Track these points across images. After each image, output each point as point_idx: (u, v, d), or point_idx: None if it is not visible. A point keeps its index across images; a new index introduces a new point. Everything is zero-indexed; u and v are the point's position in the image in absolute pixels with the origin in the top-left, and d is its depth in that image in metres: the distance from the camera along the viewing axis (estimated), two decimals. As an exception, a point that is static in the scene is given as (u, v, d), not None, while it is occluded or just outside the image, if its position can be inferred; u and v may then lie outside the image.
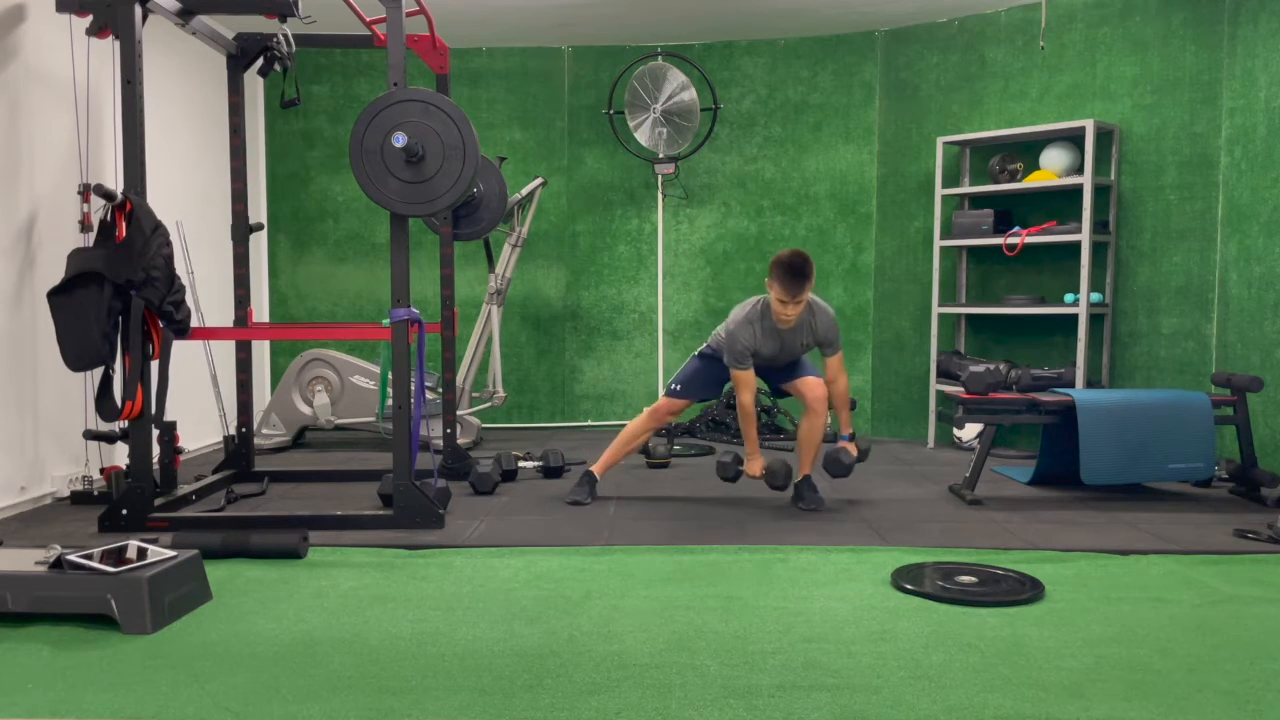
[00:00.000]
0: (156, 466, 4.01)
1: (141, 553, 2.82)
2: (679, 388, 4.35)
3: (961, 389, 4.48)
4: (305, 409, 5.73)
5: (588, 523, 3.90)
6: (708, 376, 4.35)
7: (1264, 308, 4.54)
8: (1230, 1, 4.77)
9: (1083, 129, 5.10)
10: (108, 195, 3.66)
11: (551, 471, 4.86)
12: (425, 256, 6.23)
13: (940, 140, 5.67)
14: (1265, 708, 2.16)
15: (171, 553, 2.83)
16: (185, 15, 4.05)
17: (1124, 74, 5.20)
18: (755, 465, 4.19)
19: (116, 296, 3.63)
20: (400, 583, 3.10)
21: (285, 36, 4.24)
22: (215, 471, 4.65)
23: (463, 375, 5.70)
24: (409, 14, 3.86)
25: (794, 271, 3.89)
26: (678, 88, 5.75)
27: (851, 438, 4.27)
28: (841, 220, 6.31)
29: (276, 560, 3.32)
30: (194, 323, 4.12)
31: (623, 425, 4.65)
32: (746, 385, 4.09)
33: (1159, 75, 5.07)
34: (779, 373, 4.27)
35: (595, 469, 4.35)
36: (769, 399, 6.26)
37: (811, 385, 4.14)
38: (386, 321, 3.78)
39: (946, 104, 5.86)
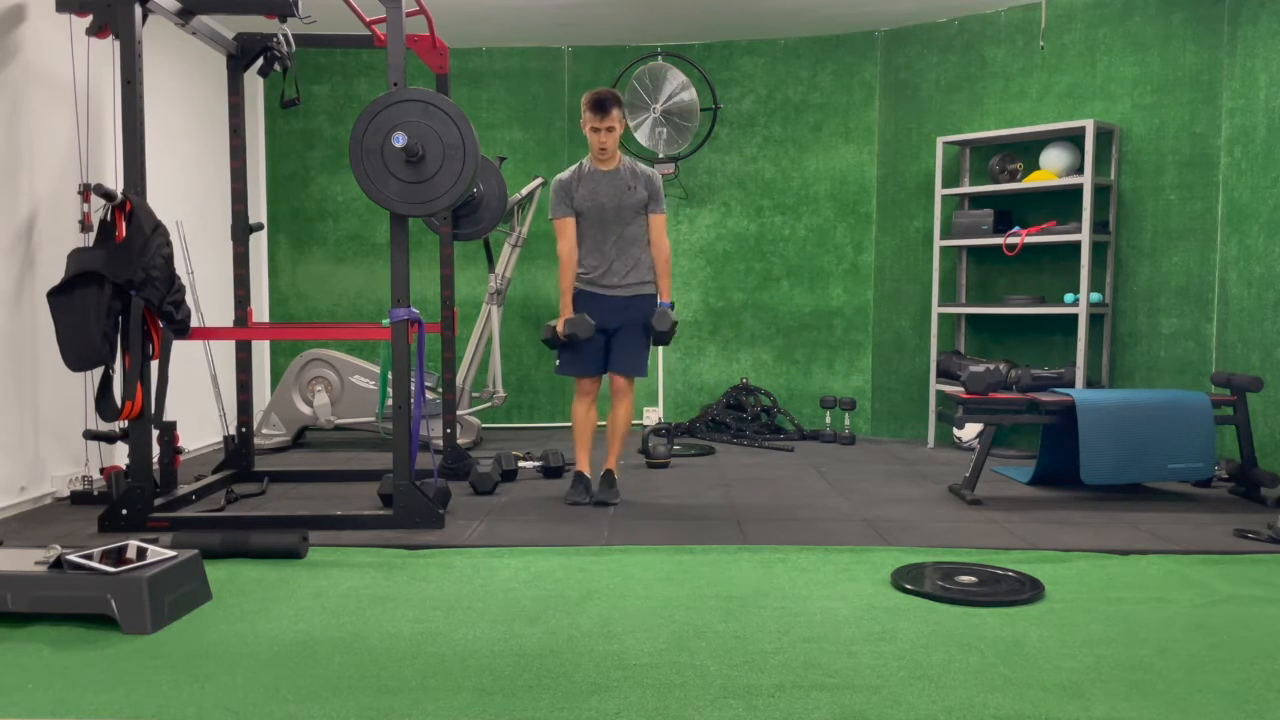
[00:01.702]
0: (156, 466, 4.01)
1: (141, 553, 2.82)
2: (560, 363, 4.30)
3: (961, 389, 4.48)
4: (305, 409, 5.73)
5: (588, 523, 3.90)
6: (577, 325, 4.15)
7: (1264, 308, 4.54)
8: (1230, 1, 4.78)
9: (1083, 129, 5.10)
10: (108, 195, 3.66)
11: (551, 471, 4.86)
12: (425, 256, 6.23)
13: (940, 140, 5.67)
14: (1265, 708, 2.16)
15: (171, 553, 2.83)
16: (185, 15, 4.05)
17: (1124, 74, 5.20)
18: (562, 320, 4.19)
19: (116, 296, 3.63)
20: (400, 583, 3.10)
21: (285, 36, 4.25)
22: (215, 471, 4.65)
23: (463, 375, 5.70)
24: (409, 14, 3.86)
25: (596, 97, 4.11)
26: (678, 88, 5.75)
27: (671, 306, 4.28)
28: (841, 220, 6.31)
29: (276, 560, 3.32)
30: (194, 323, 4.12)
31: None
32: (562, 233, 4.19)
33: (1159, 75, 5.08)
34: (618, 336, 4.20)
35: (580, 467, 4.35)
36: (768, 399, 6.28)
37: (620, 380, 4.25)
38: (386, 321, 3.78)
39: (946, 104, 5.86)
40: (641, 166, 4.28)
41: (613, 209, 4.17)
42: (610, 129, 4.11)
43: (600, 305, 4.20)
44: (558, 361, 4.32)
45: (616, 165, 4.20)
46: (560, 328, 4.17)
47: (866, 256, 6.29)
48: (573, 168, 4.25)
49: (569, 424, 6.54)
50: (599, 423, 4.53)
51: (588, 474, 4.32)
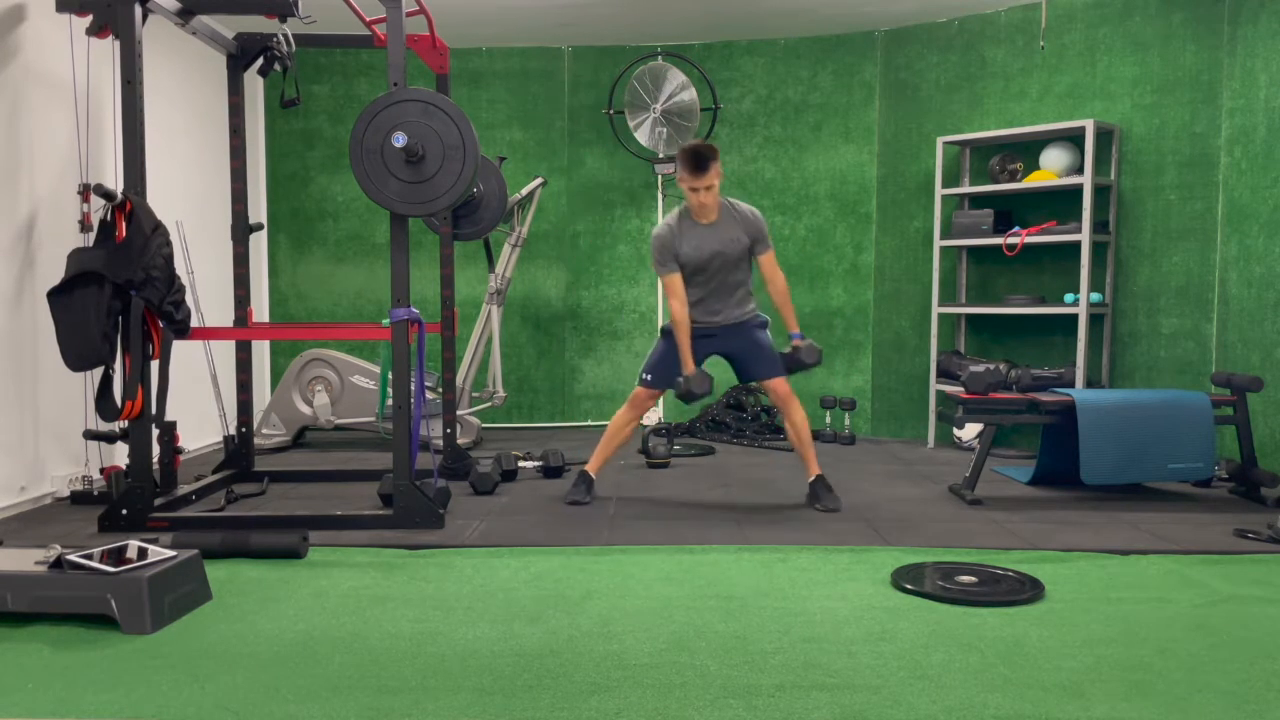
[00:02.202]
0: (156, 466, 4.01)
1: (141, 553, 2.82)
2: (650, 377, 4.24)
3: (961, 389, 4.48)
4: (305, 409, 5.73)
5: (588, 523, 3.90)
6: (676, 355, 4.17)
7: (1264, 308, 4.54)
8: (1230, 1, 4.78)
9: (1083, 129, 5.10)
10: (108, 195, 3.66)
11: (551, 471, 4.86)
12: (425, 256, 6.23)
13: (940, 140, 5.67)
14: (1265, 708, 2.16)
15: (171, 553, 2.83)
16: (185, 15, 4.05)
17: (1124, 74, 5.20)
18: (685, 377, 4.11)
19: (116, 296, 3.63)
20: (400, 583, 3.10)
21: (285, 36, 4.25)
22: (215, 471, 4.65)
23: (463, 375, 5.70)
24: (409, 14, 3.86)
25: (694, 154, 3.93)
26: (678, 88, 5.75)
27: (801, 336, 4.23)
28: (841, 220, 6.31)
29: (276, 560, 3.32)
30: (194, 323, 4.12)
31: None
32: (673, 292, 4.07)
33: (1159, 75, 5.08)
34: (741, 355, 4.19)
35: (589, 468, 4.34)
36: (769, 399, 6.27)
37: (775, 385, 4.18)
38: (386, 321, 3.78)
39: (946, 104, 5.86)
40: (741, 207, 4.10)
41: (719, 262, 4.06)
42: (709, 187, 3.93)
43: (708, 346, 4.16)
44: (648, 376, 4.21)
45: (717, 217, 4.07)
46: (684, 385, 4.07)
47: (866, 256, 6.29)
48: (670, 220, 4.09)
49: (569, 424, 6.61)
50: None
51: (594, 475, 4.32)
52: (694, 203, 4.00)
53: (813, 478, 4.21)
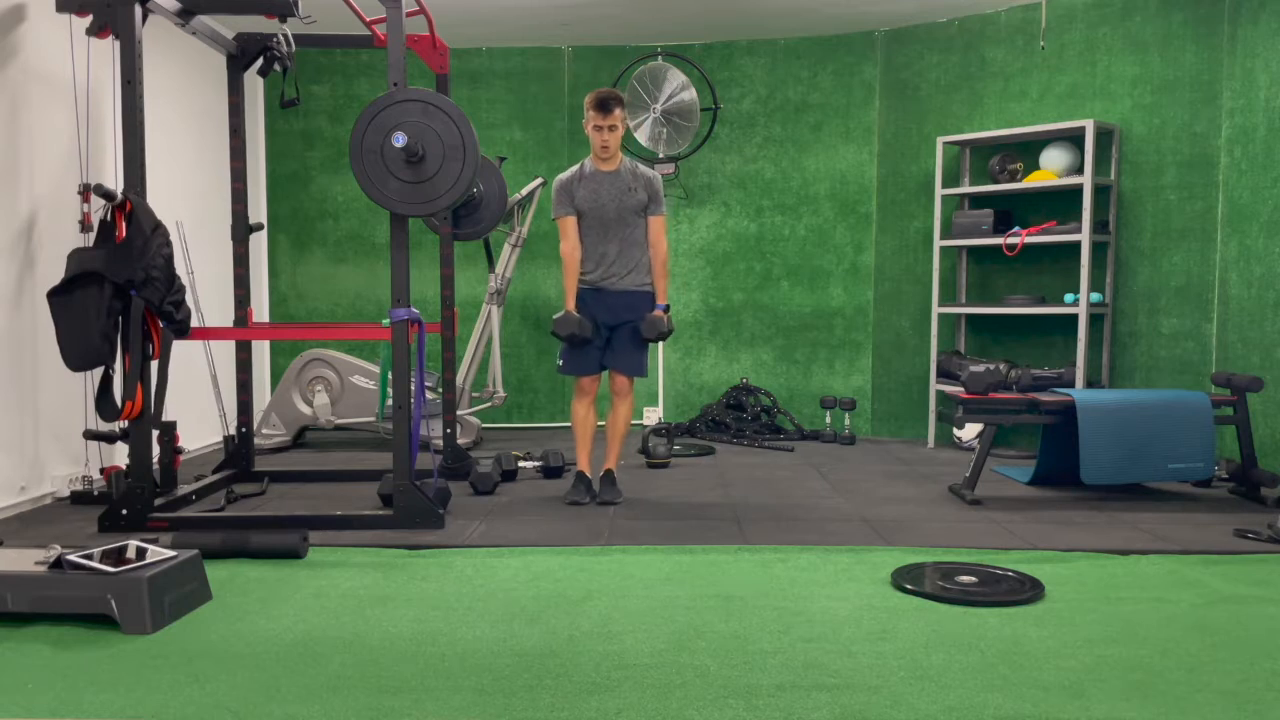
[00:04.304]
0: (156, 466, 4.01)
1: (141, 553, 2.82)
2: (562, 363, 4.28)
3: (961, 389, 4.48)
4: (305, 409, 5.73)
5: (588, 523, 3.90)
6: (576, 322, 4.15)
7: (1264, 308, 4.54)
8: (1230, 1, 4.78)
9: (1083, 129, 5.10)
10: (108, 195, 3.66)
11: (551, 471, 4.86)
12: (425, 256, 6.23)
13: (940, 140, 5.67)
14: (1265, 708, 2.16)
15: (171, 553, 2.83)
16: (185, 15, 4.05)
17: (1124, 74, 5.20)
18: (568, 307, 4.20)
19: (116, 296, 3.63)
20: (400, 583, 3.10)
21: (285, 36, 4.25)
22: (215, 471, 4.65)
23: (463, 375, 5.70)
24: (409, 14, 3.86)
25: (601, 95, 4.13)
26: (678, 88, 5.75)
27: (666, 309, 4.26)
28: (841, 220, 6.31)
29: (276, 560, 3.32)
30: (194, 323, 4.12)
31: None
32: (565, 233, 4.19)
33: (1159, 75, 5.08)
34: (615, 337, 4.20)
35: (581, 466, 4.35)
36: (768, 399, 6.28)
37: (622, 381, 4.27)
38: (386, 321, 3.78)
39: (946, 104, 5.86)
40: (643, 168, 4.28)
41: (614, 210, 4.17)
42: (613, 127, 4.13)
43: (599, 304, 4.21)
44: (560, 362, 4.32)
45: (618, 166, 4.20)
46: (555, 325, 4.17)
47: (866, 256, 6.29)
48: (574, 168, 4.26)
49: (569, 424, 6.58)
50: (599, 423, 4.52)
51: (589, 474, 4.32)
52: (597, 142, 4.14)
53: (605, 471, 4.33)
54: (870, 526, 3.82)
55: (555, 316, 4.21)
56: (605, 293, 4.21)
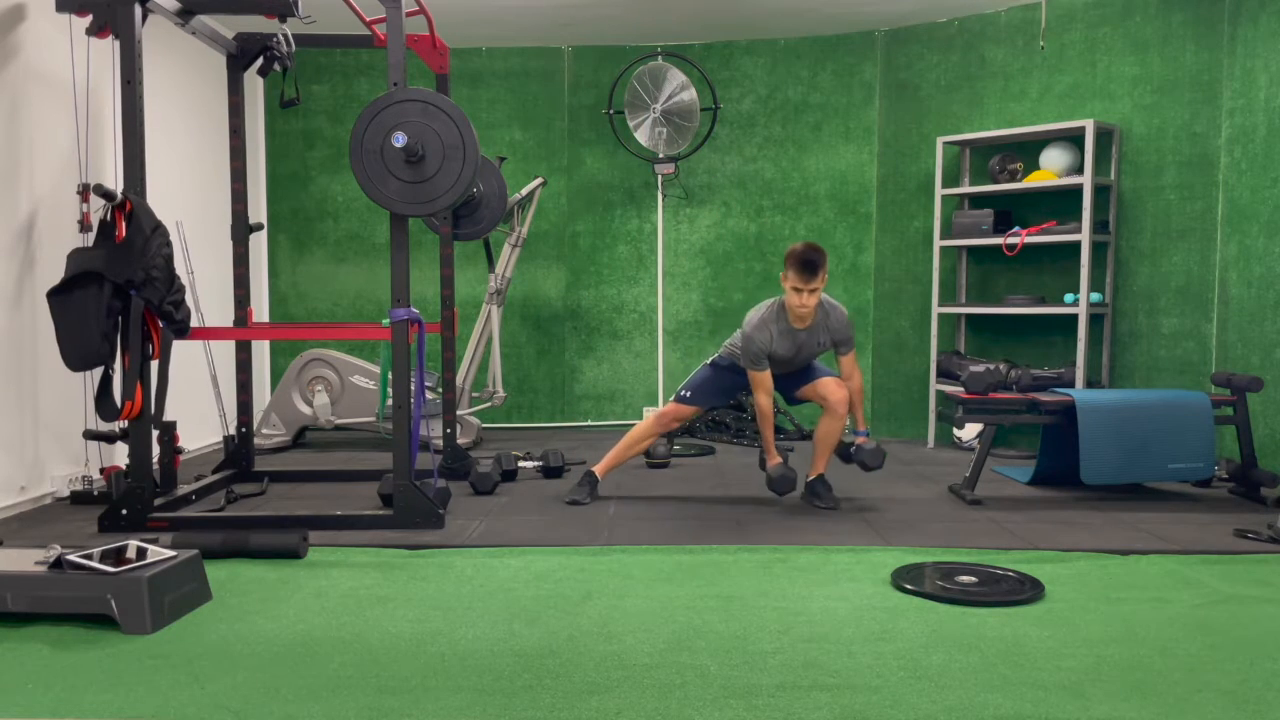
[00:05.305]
0: (156, 466, 4.01)
1: (141, 553, 2.82)
2: (689, 394, 4.35)
3: (961, 389, 4.48)
4: (305, 409, 5.73)
5: (588, 523, 3.90)
6: (718, 386, 4.36)
7: (1264, 308, 4.54)
8: (1230, 1, 4.77)
9: (1083, 129, 5.10)
10: (108, 195, 3.66)
11: (551, 471, 4.86)
12: (425, 256, 6.23)
13: (940, 140, 5.67)
14: (1265, 708, 2.16)
15: (171, 553, 2.83)
16: (185, 15, 4.05)
17: (1124, 74, 5.20)
18: (773, 463, 4.21)
19: (116, 296, 3.63)
20: (400, 583, 3.10)
21: (285, 36, 4.24)
22: (215, 471, 4.65)
23: (463, 375, 5.70)
24: (409, 14, 3.86)
25: (807, 259, 3.92)
26: (678, 88, 5.74)
27: (867, 434, 4.29)
28: (841, 220, 6.31)
29: (276, 560, 3.32)
30: (194, 323, 4.12)
31: (622, 425, 4.66)
32: (763, 387, 4.12)
33: (1159, 75, 5.08)
34: (794, 378, 4.25)
35: (597, 470, 4.35)
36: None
37: (832, 387, 4.14)
38: (386, 321, 3.78)
39: (946, 104, 5.86)
40: (834, 316, 4.11)
41: (802, 360, 4.17)
42: (814, 290, 3.93)
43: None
44: (686, 394, 4.33)
45: (812, 324, 4.09)
46: (769, 480, 4.15)
47: (866, 256, 6.29)
48: (765, 313, 4.08)
49: (569, 424, 6.61)
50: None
51: (600, 478, 4.33)
52: (794, 303, 3.97)
53: (814, 476, 4.24)
54: (870, 526, 3.82)
55: (771, 473, 4.13)
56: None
